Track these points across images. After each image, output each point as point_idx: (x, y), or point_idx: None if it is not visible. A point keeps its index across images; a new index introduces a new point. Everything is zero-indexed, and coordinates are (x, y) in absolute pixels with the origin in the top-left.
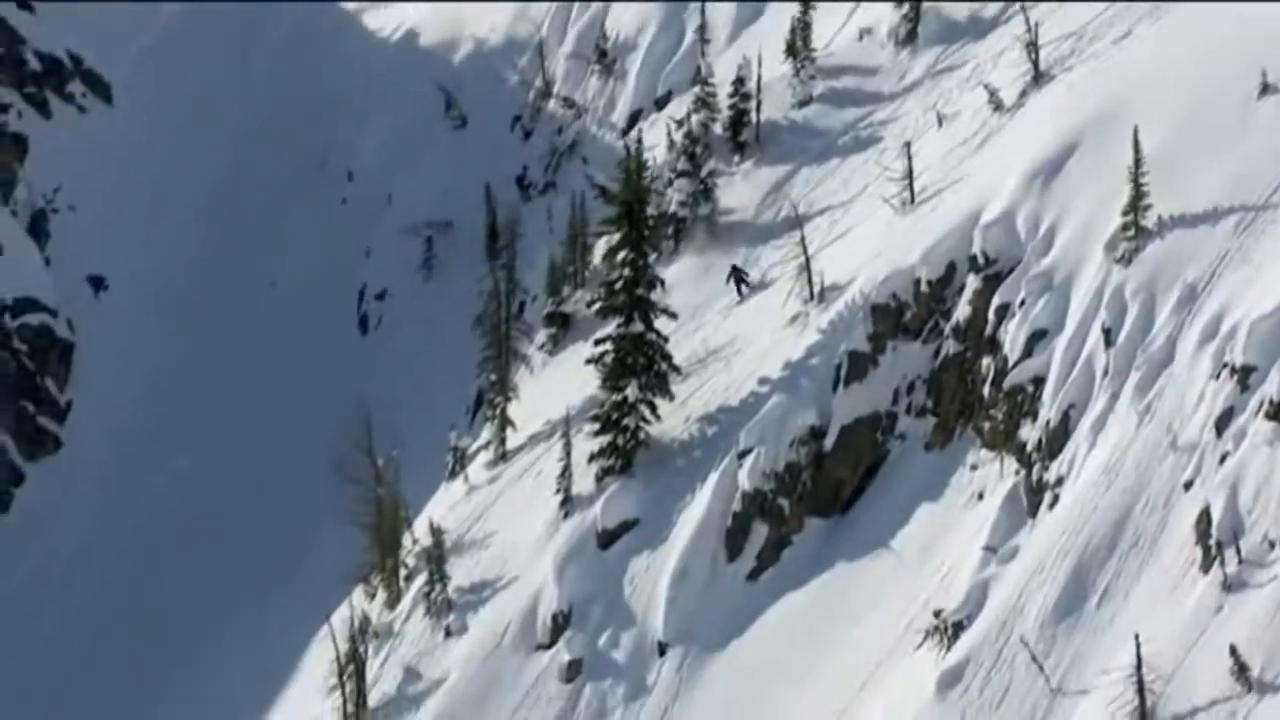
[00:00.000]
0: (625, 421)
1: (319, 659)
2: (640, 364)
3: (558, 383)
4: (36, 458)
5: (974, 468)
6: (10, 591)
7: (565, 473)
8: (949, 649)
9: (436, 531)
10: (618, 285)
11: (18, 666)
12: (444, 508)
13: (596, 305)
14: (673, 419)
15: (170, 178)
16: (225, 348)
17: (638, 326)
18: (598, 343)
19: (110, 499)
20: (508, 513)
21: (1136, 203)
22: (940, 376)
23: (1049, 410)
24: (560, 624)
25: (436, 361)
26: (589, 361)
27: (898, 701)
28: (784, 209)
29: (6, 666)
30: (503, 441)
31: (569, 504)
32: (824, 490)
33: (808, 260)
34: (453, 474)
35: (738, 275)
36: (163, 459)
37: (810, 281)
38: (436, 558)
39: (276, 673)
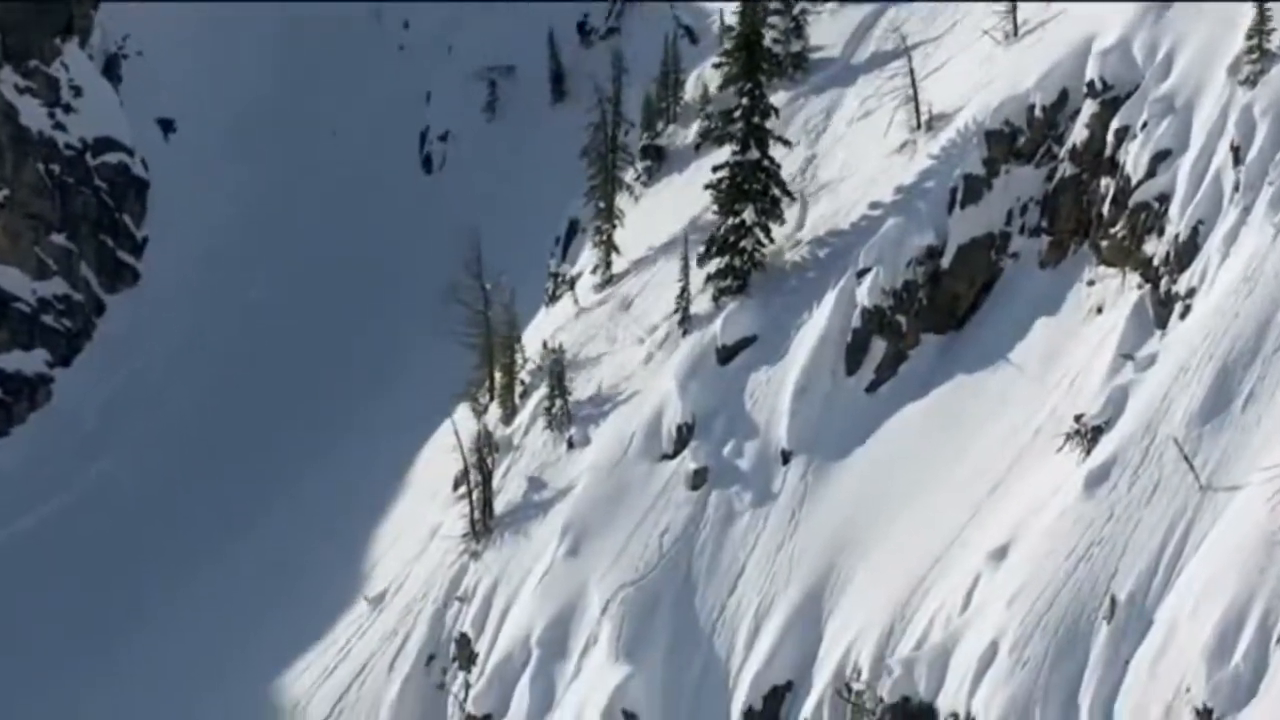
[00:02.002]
0: (742, 244)
1: (428, 472)
2: (756, 189)
3: (655, 212)
4: (116, 290)
5: (1091, 283)
6: (100, 406)
7: (684, 292)
8: (1090, 451)
9: (556, 349)
10: (736, 114)
11: (106, 477)
12: (552, 328)
13: (714, 133)
14: (785, 241)
15: (231, 26)
16: (288, 187)
17: (754, 153)
18: (716, 169)
19: (187, 327)
20: (621, 332)
21: (1260, 26)
22: (1055, 198)
23: (1177, 225)
24: (684, 435)
25: (509, 196)
26: (707, 187)
27: (1038, 503)
28: (873, 45)
29: (99, 481)
30: (608, 266)
31: (687, 322)
32: (940, 307)
33: (915, 90)
34: (553, 299)
35: None
36: (236, 290)
37: (918, 111)
38: (558, 373)
39: (382, 487)
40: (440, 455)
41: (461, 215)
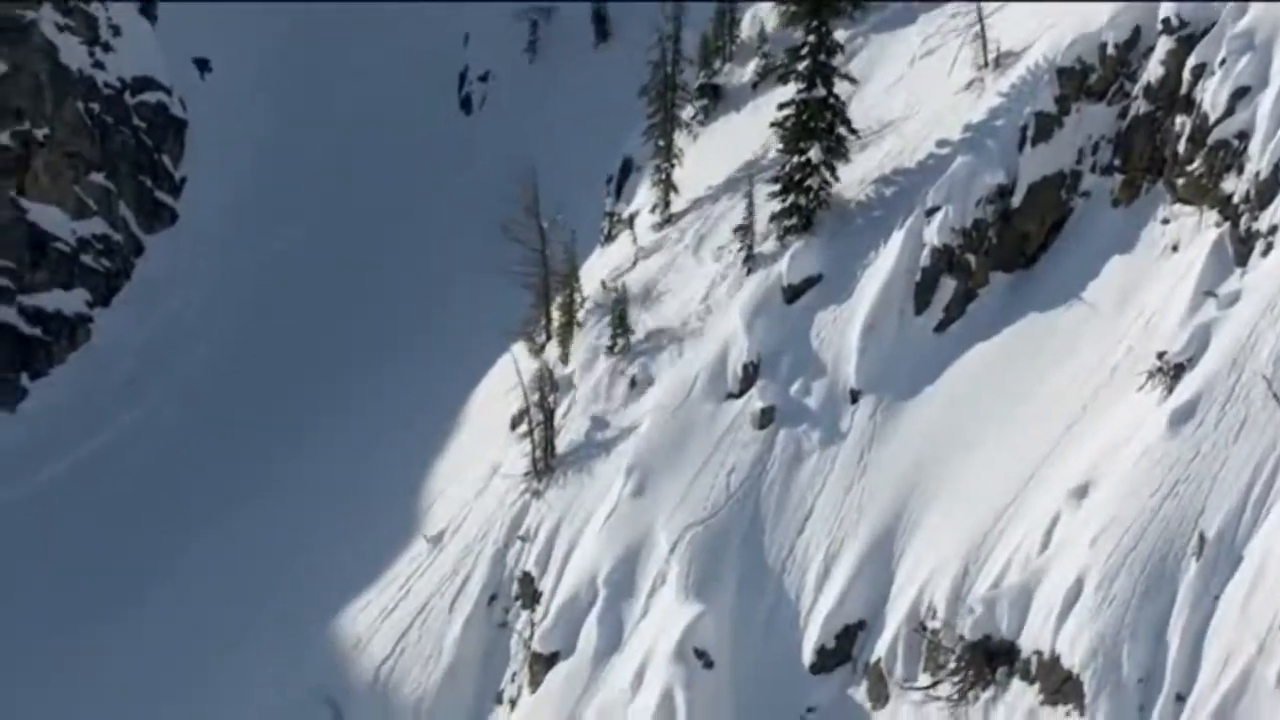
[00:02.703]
0: (808, 182)
1: (483, 412)
2: (822, 127)
3: (712, 151)
4: (155, 230)
5: (1165, 221)
6: (140, 347)
7: (748, 230)
8: (1172, 389)
9: (617, 287)
10: (802, 50)
11: (149, 415)
12: (609, 267)
13: (778, 70)
14: (849, 181)
15: None
16: (325, 127)
17: (820, 91)
18: (781, 106)
19: (226, 268)
20: (682, 271)
21: None
22: (1128, 136)
23: (1257, 163)
24: (750, 374)
25: (551, 137)
26: (773, 125)
27: (1118, 441)
28: None
29: (140, 421)
30: (667, 204)
31: (751, 261)
32: (1009, 246)
33: (983, 28)
34: (608, 238)
35: None
36: (274, 231)
37: (985, 49)
38: (620, 312)
39: (434, 428)
40: (495, 395)
41: (502, 156)
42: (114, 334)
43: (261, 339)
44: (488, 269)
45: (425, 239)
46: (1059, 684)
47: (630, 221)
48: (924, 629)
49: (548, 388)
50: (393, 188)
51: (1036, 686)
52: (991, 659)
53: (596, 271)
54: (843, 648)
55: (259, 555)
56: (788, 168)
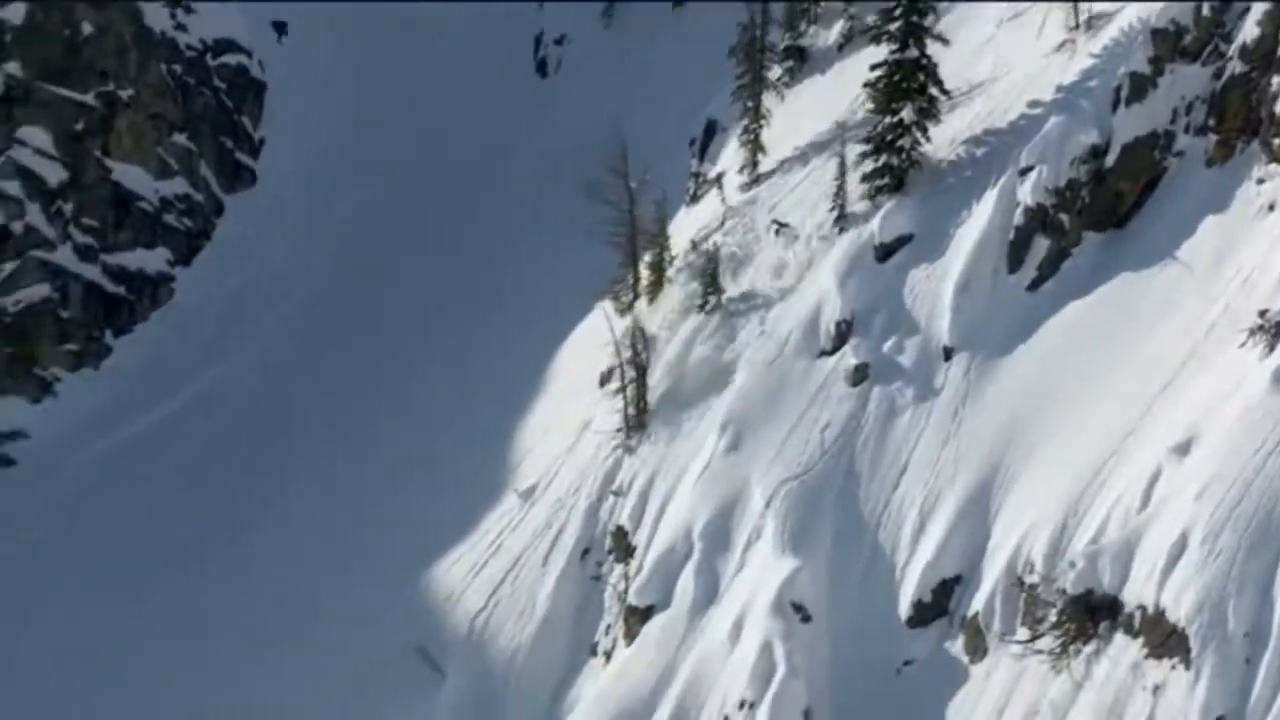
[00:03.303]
0: (900, 143)
1: (570, 370)
2: (914, 88)
3: (799, 112)
4: (234, 190)
5: (1261, 181)
6: (220, 306)
7: (840, 190)
8: (1274, 347)
9: (709, 246)
10: (894, 11)
11: (232, 373)
12: (696, 227)
13: (870, 31)
14: (939, 141)
15: None
16: (400, 90)
17: (913, 51)
18: (873, 67)
19: (304, 229)
20: (772, 230)
21: None
22: (1223, 96)
23: None
24: (843, 332)
25: (629, 100)
26: (865, 85)
27: (1218, 398)
28: None
29: (222, 379)
30: (755, 165)
31: (843, 220)
32: (1102, 206)
33: None
34: (694, 198)
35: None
36: (351, 192)
37: (1077, 10)
38: (711, 270)
39: (519, 385)
40: (582, 353)
41: (581, 119)
42: (196, 293)
43: (343, 298)
44: (569, 229)
45: (505, 200)
46: (1164, 638)
47: (718, 181)
48: (1022, 584)
49: (640, 344)
50: (470, 149)
51: (1140, 640)
52: (1093, 613)
53: (684, 231)
54: (939, 602)
55: (349, 510)
56: (880, 128)
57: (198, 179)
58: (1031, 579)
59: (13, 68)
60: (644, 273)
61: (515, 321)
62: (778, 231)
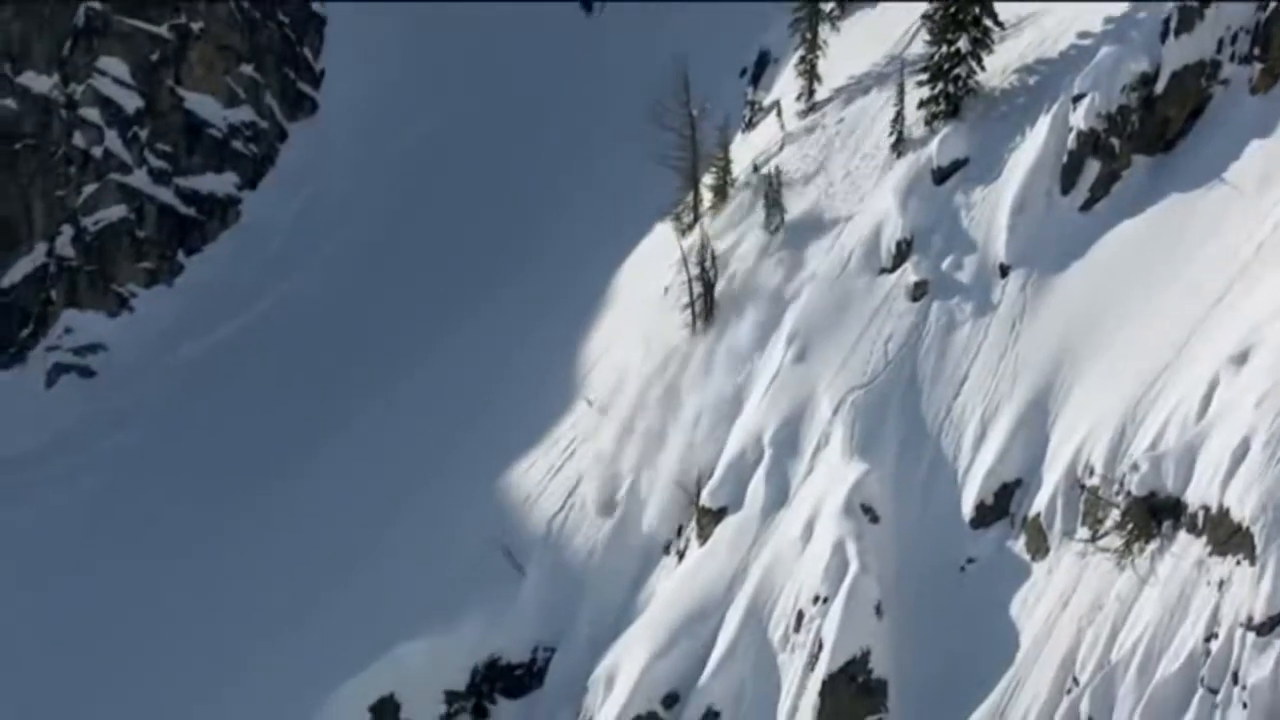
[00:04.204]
0: (955, 71)
1: (634, 286)
2: (969, 19)
3: (851, 43)
4: (297, 118)
5: None
6: (285, 226)
7: (899, 116)
8: None
9: (772, 169)
10: None
11: (298, 290)
12: (754, 152)
13: None
14: (992, 70)
15: None
16: (452, 23)
17: None
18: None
19: (362, 155)
20: (830, 154)
21: None
22: (1267, 27)
23: None
24: (903, 250)
25: (674, 33)
26: (924, 17)
27: (1273, 311)
28: None
29: (291, 289)
30: (811, 93)
31: (901, 145)
32: (1150, 131)
33: None
34: (749, 125)
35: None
36: (409, 120)
37: None
38: (774, 192)
39: (582, 301)
40: (645, 270)
41: (630, 50)
42: (262, 214)
43: (405, 221)
44: (625, 155)
45: (558, 128)
46: (1227, 536)
47: (777, 107)
48: (1082, 487)
49: (707, 261)
50: (522, 82)
51: (1204, 539)
52: (1157, 513)
53: (743, 156)
54: (1000, 504)
55: (425, 417)
56: (936, 57)
57: (263, 107)
58: (1091, 482)
59: (93, 2)
60: (705, 195)
61: (575, 243)
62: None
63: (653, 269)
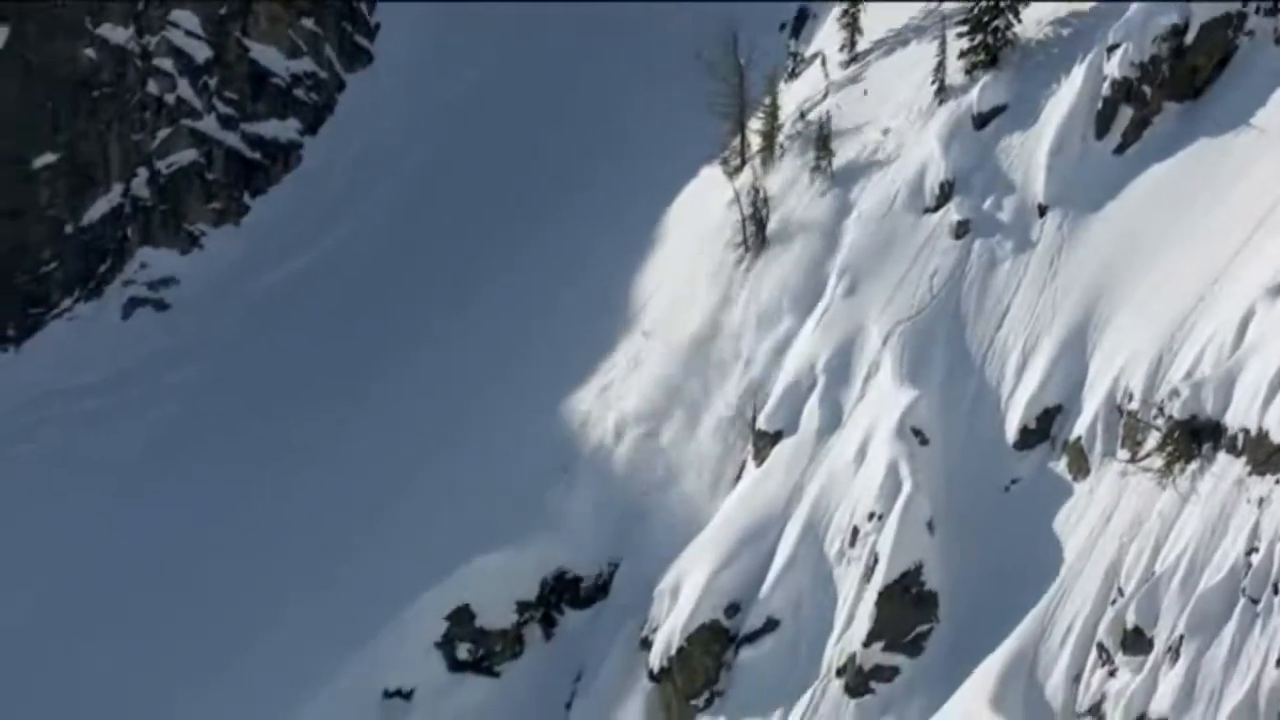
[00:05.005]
0: (994, 23)
1: (683, 226)
2: None
3: None
4: (354, 69)
5: None
6: (345, 170)
7: (941, 65)
8: None
9: (820, 114)
10: None
11: (357, 228)
12: (798, 100)
13: None
14: (1028, 22)
15: None
16: None
17: None
18: None
19: (417, 103)
20: (873, 103)
21: None
22: None
23: None
24: (946, 191)
25: None
26: None
27: None
28: None
29: (351, 228)
30: (853, 45)
31: (943, 93)
32: (1180, 79)
33: None
34: (793, 75)
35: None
36: (460, 72)
37: None
38: (823, 136)
39: (635, 238)
40: (692, 211)
41: (669, 5)
42: (321, 159)
43: (455, 165)
44: (671, 104)
45: (604, 78)
46: (1266, 456)
47: (821, 57)
48: (1121, 411)
49: (760, 199)
50: (567, 32)
51: (1244, 459)
52: (1197, 435)
53: (787, 105)
54: (1042, 428)
55: (479, 351)
56: (976, 10)
57: (323, 59)
58: (1130, 407)
59: None
60: (753, 140)
61: (622, 185)
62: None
63: (702, 209)
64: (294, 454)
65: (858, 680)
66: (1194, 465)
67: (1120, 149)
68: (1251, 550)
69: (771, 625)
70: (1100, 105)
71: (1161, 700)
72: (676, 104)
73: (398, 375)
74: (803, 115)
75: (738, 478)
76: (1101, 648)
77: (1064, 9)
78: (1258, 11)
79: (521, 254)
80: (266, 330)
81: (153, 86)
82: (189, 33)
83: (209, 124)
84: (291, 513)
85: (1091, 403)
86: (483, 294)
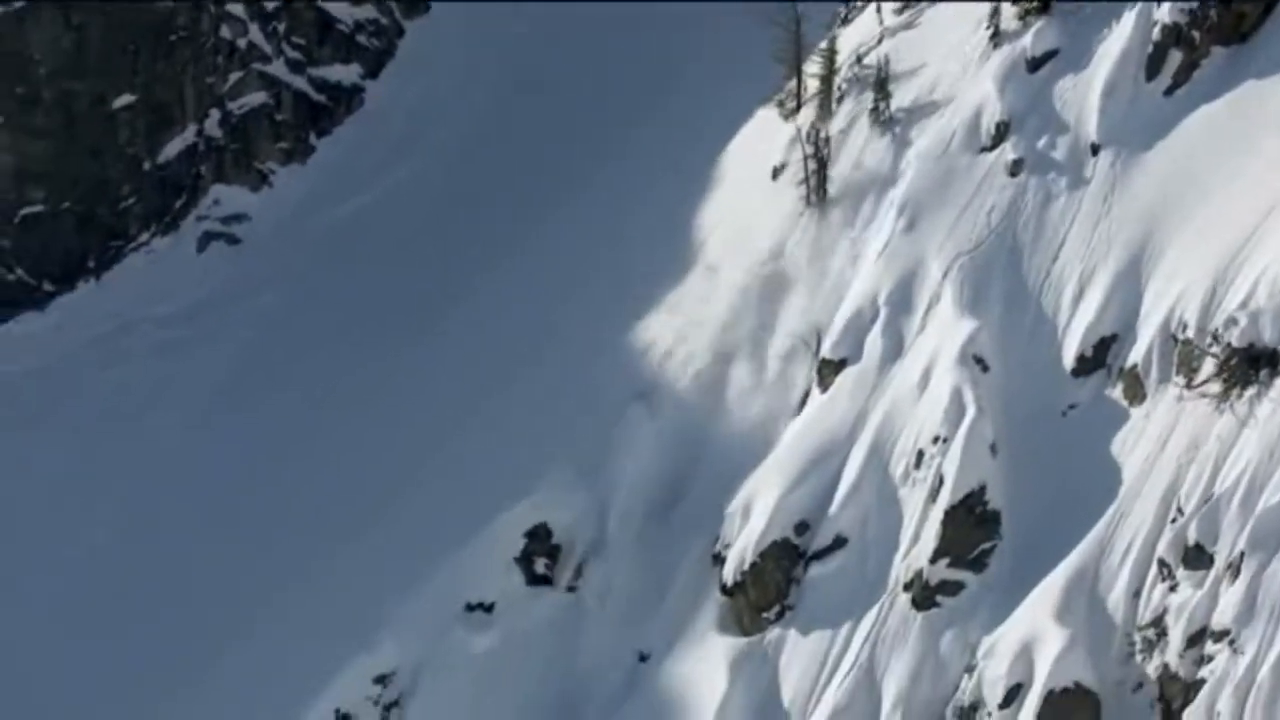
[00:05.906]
0: None
1: (741, 166)
2: None
3: None
4: (413, 16)
5: None
6: (406, 111)
7: (996, 11)
8: None
9: (878, 58)
10: None
11: (420, 168)
12: (855, 43)
13: None
14: None
15: None
16: None
17: None
18: None
19: (474, 48)
20: (928, 47)
21: None
22: None
23: None
24: (1001, 131)
25: None
26: None
27: None
28: None
29: (412, 169)
30: None
31: (998, 37)
32: (1227, 25)
33: None
34: (845, 21)
35: None
36: (513, 15)
37: None
38: (881, 78)
39: (693, 179)
40: (751, 151)
41: None
42: (383, 101)
43: (512, 109)
44: (723, 45)
45: (660, 23)
46: None
47: (876, 3)
48: (1175, 340)
49: (821, 139)
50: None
51: None
52: (1254, 362)
53: (842, 49)
54: (1099, 356)
55: (541, 285)
56: None
57: (384, 6)
58: (1185, 336)
59: None
60: (809, 83)
61: (680, 126)
62: None
63: (761, 149)
64: (369, 381)
65: (924, 594)
66: (1251, 391)
67: (1170, 90)
68: None
69: (840, 542)
70: (1150, 49)
71: (1224, 614)
72: (733, 46)
73: (466, 305)
74: (859, 59)
75: (802, 404)
76: (1163, 564)
77: None
78: None
79: (585, 189)
80: (334, 263)
81: (225, 32)
82: None
83: (278, 68)
84: (369, 436)
85: (1146, 332)
86: (541, 230)
